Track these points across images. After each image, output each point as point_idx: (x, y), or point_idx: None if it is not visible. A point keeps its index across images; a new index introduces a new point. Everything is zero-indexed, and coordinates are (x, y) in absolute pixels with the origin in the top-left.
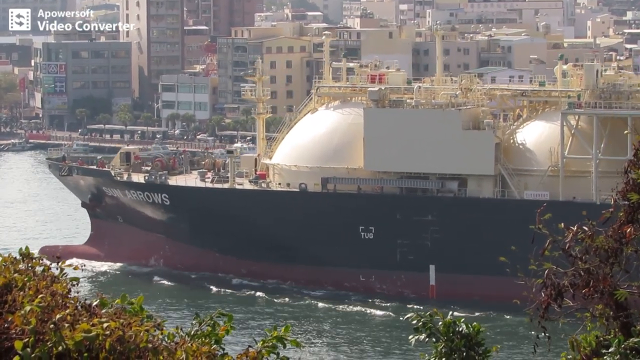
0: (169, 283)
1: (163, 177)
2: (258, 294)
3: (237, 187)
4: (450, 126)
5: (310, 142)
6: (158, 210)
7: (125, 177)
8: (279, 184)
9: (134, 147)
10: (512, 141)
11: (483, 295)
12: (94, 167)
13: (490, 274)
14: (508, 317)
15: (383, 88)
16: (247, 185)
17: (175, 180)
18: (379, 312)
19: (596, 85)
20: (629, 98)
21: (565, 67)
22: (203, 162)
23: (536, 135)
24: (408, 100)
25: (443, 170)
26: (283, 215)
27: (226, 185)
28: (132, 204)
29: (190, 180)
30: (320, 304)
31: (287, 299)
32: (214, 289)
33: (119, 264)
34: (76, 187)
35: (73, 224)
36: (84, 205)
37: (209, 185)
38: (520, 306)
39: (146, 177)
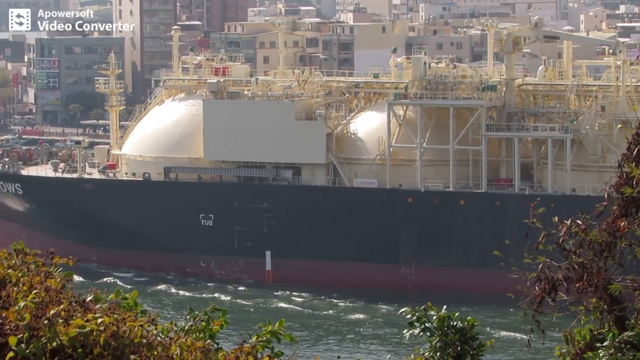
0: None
1: (16, 167)
2: (113, 281)
3: (86, 177)
4: (284, 117)
5: (155, 133)
6: (13, 199)
7: None
8: (126, 173)
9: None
10: (344, 131)
11: (316, 280)
12: None
13: (323, 259)
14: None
15: (222, 80)
16: (96, 175)
17: (27, 171)
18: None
19: (423, 77)
20: (453, 89)
21: (399, 59)
22: (60, 153)
23: (367, 125)
24: (245, 92)
25: (278, 159)
26: (128, 204)
27: (75, 175)
28: None
29: (43, 170)
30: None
31: (141, 285)
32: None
33: None
34: None
35: None
36: None
37: (59, 175)
38: (513, 300)
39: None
